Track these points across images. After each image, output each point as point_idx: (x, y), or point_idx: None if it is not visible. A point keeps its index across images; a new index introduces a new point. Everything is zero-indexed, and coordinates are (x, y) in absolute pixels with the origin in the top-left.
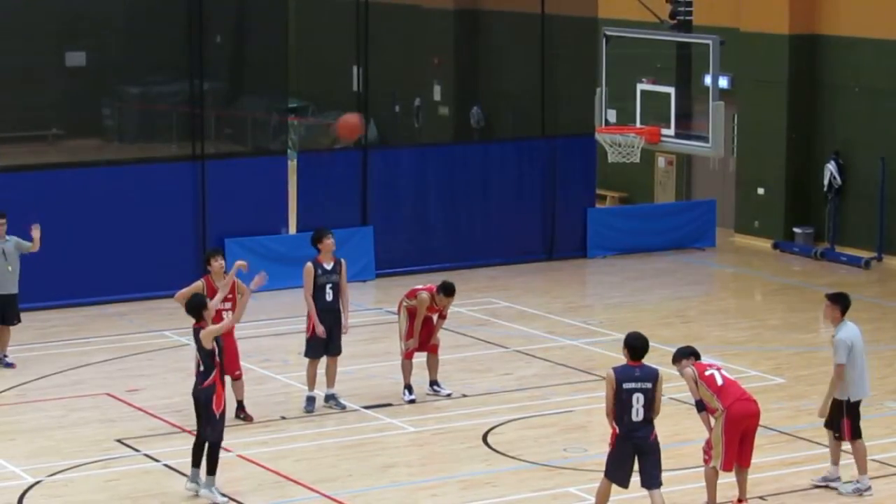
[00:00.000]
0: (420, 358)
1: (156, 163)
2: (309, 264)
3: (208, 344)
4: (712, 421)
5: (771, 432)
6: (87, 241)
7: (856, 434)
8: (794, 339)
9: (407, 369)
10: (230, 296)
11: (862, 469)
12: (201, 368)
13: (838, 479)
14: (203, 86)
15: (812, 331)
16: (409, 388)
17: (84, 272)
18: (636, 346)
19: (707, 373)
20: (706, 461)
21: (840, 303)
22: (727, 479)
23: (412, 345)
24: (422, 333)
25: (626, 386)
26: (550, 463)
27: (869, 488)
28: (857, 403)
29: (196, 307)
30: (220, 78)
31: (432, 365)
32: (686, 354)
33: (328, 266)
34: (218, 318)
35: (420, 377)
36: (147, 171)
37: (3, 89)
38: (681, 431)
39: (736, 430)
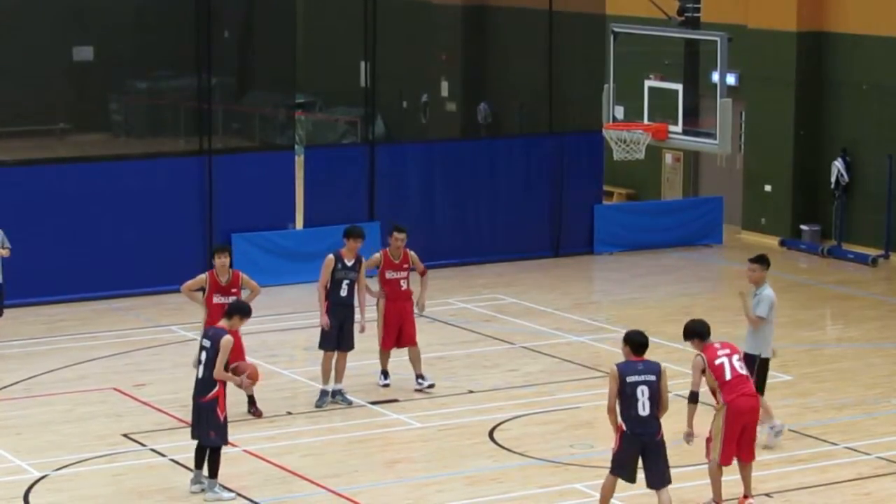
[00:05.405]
0: (405, 355)
1: (163, 157)
2: (330, 256)
3: (224, 356)
4: (714, 415)
5: None
6: (94, 236)
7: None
8: (800, 337)
9: (384, 357)
10: (235, 290)
11: (769, 415)
12: (201, 375)
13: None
14: (211, 81)
15: (819, 328)
16: (384, 373)
17: (91, 267)
18: (639, 341)
19: (717, 362)
20: (708, 455)
21: (765, 263)
22: (735, 476)
23: (377, 295)
24: (394, 327)
25: (629, 380)
26: (557, 459)
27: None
28: (767, 361)
29: (235, 311)
30: (228, 73)
31: (414, 359)
32: (692, 334)
33: (349, 262)
34: (221, 311)
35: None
36: (154, 166)
37: (11, 84)
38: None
39: (737, 425)
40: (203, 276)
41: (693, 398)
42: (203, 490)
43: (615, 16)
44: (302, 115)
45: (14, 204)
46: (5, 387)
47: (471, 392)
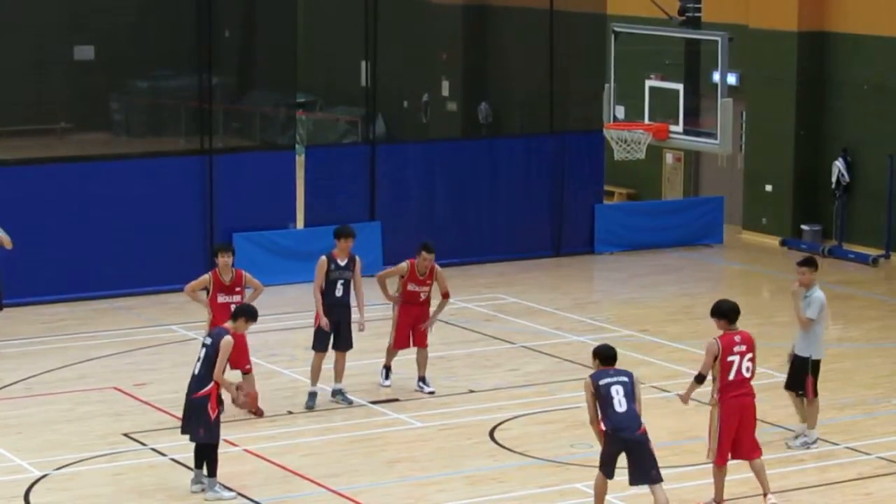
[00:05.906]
0: (410, 355)
1: (164, 157)
2: (323, 258)
3: (224, 358)
4: (709, 413)
5: (778, 429)
6: (95, 235)
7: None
8: None
9: (390, 355)
10: (238, 289)
11: (812, 424)
12: (197, 372)
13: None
14: (211, 80)
15: None
16: (387, 370)
17: (91, 266)
18: (607, 353)
19: (729, 359)
20: (708, 455)
21: (814, 265)
22: (735, 476)
23: (397, 300)
24: (408, 328)
25: (602, 382)
26: (557, 459)
27: (815, 441)
28: (819, 362)
29: (241, 313)
30: (229, 72)
31: (421, 361)
32: (720, 314)
33: (342, 262)
34: (225, 310)
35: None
36: (155, 166)
37: (12, 83)
38: (687, 428)
39: (731, 425)
40: (206, 277)
41: (699, 379)
42: (203, 490)
43: (616, 15)
44: (302, 114)
45: (14, 203)
46: (5, 386)
47: (471, 392)
